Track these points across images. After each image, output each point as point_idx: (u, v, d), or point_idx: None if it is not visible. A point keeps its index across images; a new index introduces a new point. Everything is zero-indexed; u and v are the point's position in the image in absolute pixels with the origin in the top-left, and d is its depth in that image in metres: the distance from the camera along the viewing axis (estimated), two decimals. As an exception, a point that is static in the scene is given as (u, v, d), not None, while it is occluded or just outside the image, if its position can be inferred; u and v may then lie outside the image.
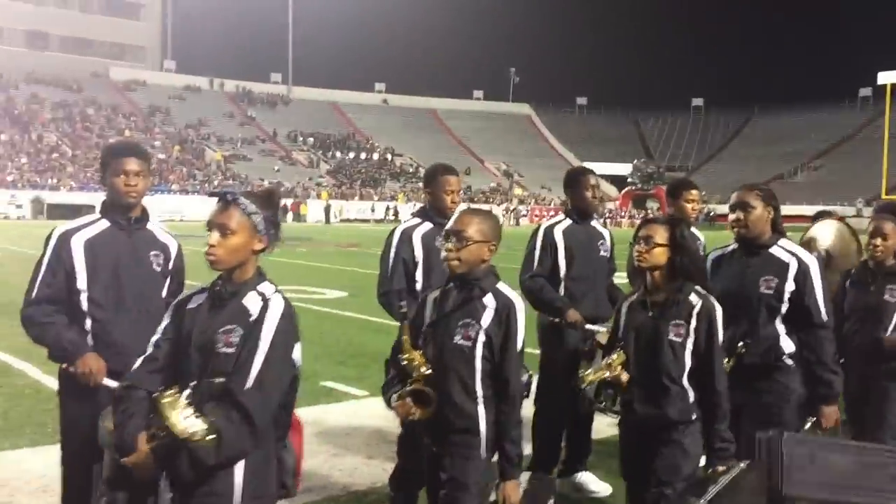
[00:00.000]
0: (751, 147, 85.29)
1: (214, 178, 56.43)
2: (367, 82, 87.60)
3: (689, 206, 4.97)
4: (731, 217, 3.69)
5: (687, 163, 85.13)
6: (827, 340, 3.65)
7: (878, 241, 4.25)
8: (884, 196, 50.49)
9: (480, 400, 2.93)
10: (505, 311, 2.94)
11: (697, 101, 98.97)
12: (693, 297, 3.22)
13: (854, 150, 75.33)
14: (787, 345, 3.65)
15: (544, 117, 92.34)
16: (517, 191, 69.22)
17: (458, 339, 2.93)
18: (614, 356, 3.29)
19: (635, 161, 73.86)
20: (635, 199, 64.82)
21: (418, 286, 4.06)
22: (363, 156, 72.17)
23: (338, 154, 71.51)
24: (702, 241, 4.94)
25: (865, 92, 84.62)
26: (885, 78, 61.82)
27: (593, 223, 4.77)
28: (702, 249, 4.78)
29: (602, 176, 76.12)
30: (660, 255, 3.22)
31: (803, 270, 3.61)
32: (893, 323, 4.27)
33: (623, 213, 59.56)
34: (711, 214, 55.12)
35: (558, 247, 4.57)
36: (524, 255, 4.70)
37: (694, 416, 3.21)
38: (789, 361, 3.65)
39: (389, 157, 72.86)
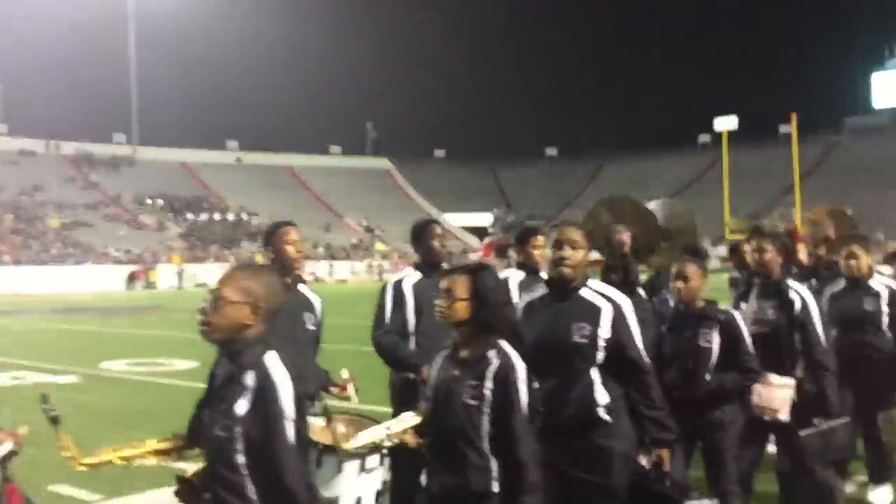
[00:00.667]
0: (604, 193, 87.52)
1: (52, 248, 52.75)
2: (218, 140, 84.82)
3: (536, 252, 5.03)
4: (555, 255, 3.50)
5: (545, 211, 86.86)
6: (653, 384, 3.53)
7: (681, 283, 4.26)
8: (728, 237, 52.57)
9: None
10: (262, 390, 2.53)
11: (552, 151, 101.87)
12: (491, 355, 2.99)
13: (699, 192, 78.96)
14: (602, 396, 3.43)
15: (404, 170, 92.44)
16: (379, 246, 68.37)
17: None
18: (402, 417, 3.17)
19: (495, 211, 74.71)
20: (498, 248, 65.18)
21: None
22: (217, 217, 69.62)
23: (189, 216, 68.57)
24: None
25: (704, 138, 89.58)
26: (721, 124, 65.41)
27: None
28: None
29: (463, 227, 77.13)
30: (462, 310, 3.01)
31: (618, 314, 3.44)
32: (710, 367, 4.23)
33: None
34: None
35: (407, 301, 4.53)
36: (375, 312, 4.64)
37: (496, 489, 2.94)
38: (606, 416, 3.41)
39: (245, 216, 70.55)
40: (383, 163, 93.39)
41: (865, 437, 5.36)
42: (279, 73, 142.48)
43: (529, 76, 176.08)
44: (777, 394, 4.42)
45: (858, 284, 5.30)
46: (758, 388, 4.41)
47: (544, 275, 5.09)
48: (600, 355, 3.42)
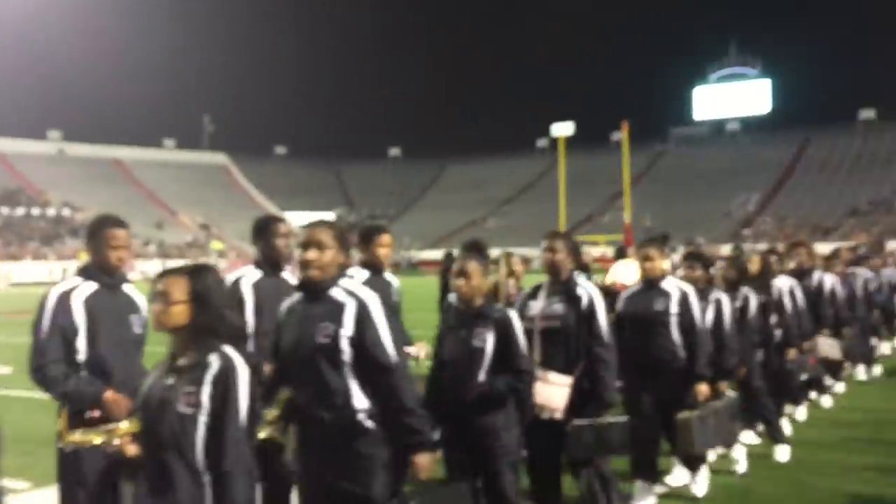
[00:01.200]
0: (447, 194, 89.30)
1: None
2: (38, 129, 79.45)
3: (381, 251, 4.96)
4: (301, 258, 3.34)
5: (388, 211, 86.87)
6: (402, 383, 3.27)
7: (461, 281, 4.14)
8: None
9: None
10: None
11: (395, 151, 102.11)
12: (212, 359, 2.77)
13: (536, 196, 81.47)
14: (361, 401, 3.25)
15: (242, 167, 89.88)
16: (215, 244, 65.98)
17: None
18: (120, 424, 2.89)
19: (337, 210, 73.88)
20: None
21: (80, 357, 3.76)
22: (36, 211, 64.96)
23: (5, 210, 63.59)
24: (395, 287, 5.04)
25: (542, 142, 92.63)
26: (558, 130, 67.55)
27: (284, 275, 4.47)
28: (395, 296, 4.99)
29: (304, 227, 75.63)
30: (179, 314, 2.80)
31: (363, 311, 3.27)
32: (484, 369, 4.05)
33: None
34: (412, 261, 56.06)
35: (246, 301, 4.26)
36: None
37: None
38: (368, 422, 3.24)
39: (68, 212, 66.14)
40: (220, 158, 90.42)
41: (667, 437, 5.49)
42: (109, 60, 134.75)
43: (374, 75, 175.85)
44: (556, 392, 4.45)
45: (652, 285, 5.38)
46: (538, 387, 4.41)
47: (389, 275, 5.03)
48: (346, 355, 3.24)
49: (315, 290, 3.36)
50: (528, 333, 4.49)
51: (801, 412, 7.79)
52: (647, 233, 48.60)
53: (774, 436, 6.62)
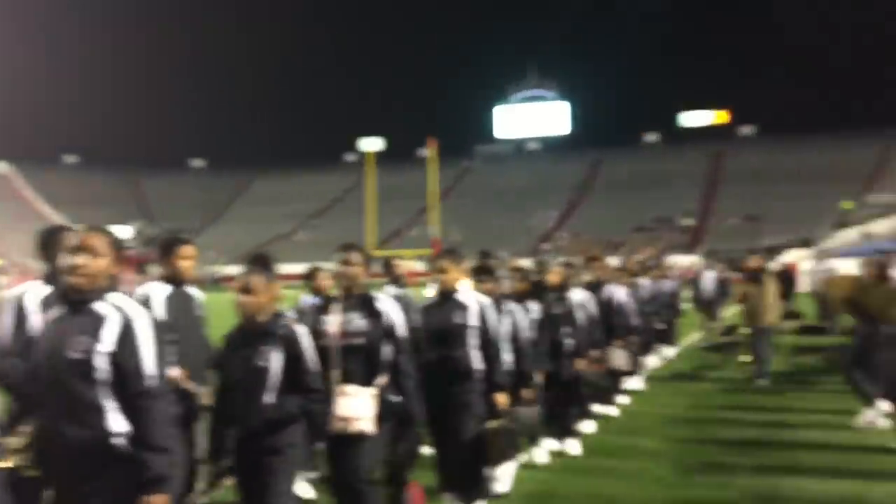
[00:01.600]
0: (253, 208, 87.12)
1: None
2: None
3: (183, 263, 4.73)
4: (68, 262, 3.06)
5: (191, 224, 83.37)
6: (155, 410, 3.01)
7: (244, 297, 3.98)
8: (374, 252, 54.47)
9: None
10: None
11: (199, 162, 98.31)
12: None
13: (345, 210, 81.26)
14: (118, 424, 2.99)
15: (26, 176, 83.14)
16: (-5, 259, 60.42)
17: None
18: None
19: (135, 224, 70.09)
20: (137, 263, 61.08)
21: None
22: None
23: None
24: (197, 300, 4.83)
25: (350, 157, 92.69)
26: (366, 145, 67.91)
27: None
28: (198, 309, 4.76)
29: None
30: None
31: (126, 327, 3.04)
32: (268, 389, 3.88)
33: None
34: (217, 276, 54.08)
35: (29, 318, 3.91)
36: None
37: None
38: (125, 448, 2.98)
39: None
40: (1, 166, 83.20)
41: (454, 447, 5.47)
42: None
43: (176, 83, 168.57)
44: (361, 403, 4.35)
45: (448, 298, 5.34)
46: (341, 402, 4.32)
47: (192, 288, 4.84)
48: (102, 373, 2.99)
49: (78, 301, 3.10)
50: (325, 350, 4.37)
51: (590, 425, 7.89)
52: (456, 247, 49.78)
53: (567, 436, 7.07)
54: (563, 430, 7.13)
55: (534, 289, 6.93)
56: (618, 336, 8.67)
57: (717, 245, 56.56)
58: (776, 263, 23.33)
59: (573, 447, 7.09)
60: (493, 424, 5.24)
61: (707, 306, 14.65)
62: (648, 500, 5.86)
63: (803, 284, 22.14)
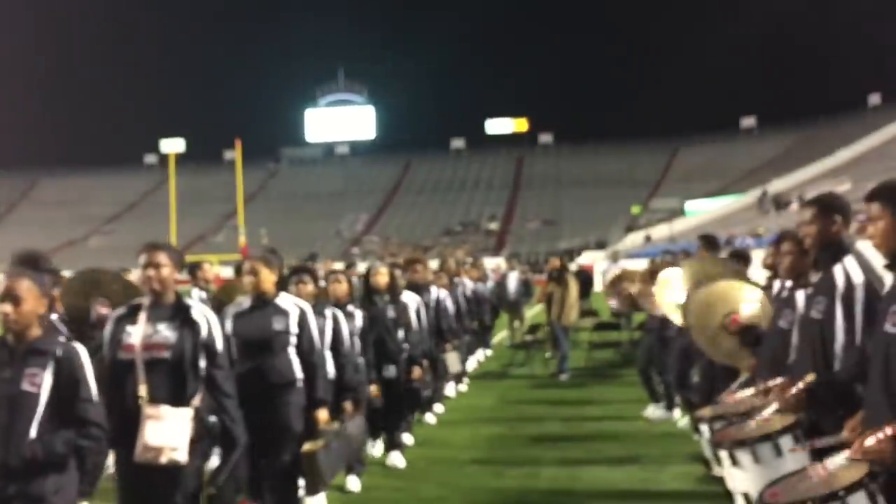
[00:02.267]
0: (39, 211, 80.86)
1: None
2: None
3: None
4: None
5: (-33, 229, 76.16)
6: None
7: (8, 307, 3.26)
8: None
9: None
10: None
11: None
12: None
13: (145, 214, 77.24)
14: None
15: None
16: None
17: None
18: None
19: None
20: None
21: None
22: None
23: None
24: None
25: (151, 158, 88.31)
26: (168, 146, 64.95)
27: None
28: None
29: None
30: None
31: None
32: (37, 421, 3.22)
33: None
34: None
35: None
36: None
37: None
38: None
39: None
40: None
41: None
42: None
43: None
44: (171, 430, 3.74)
45: (266, 303, 4.87)
46: (150, 427, 3.72)
47: None
48: None
49: None
50: (128, 365, 3.82)
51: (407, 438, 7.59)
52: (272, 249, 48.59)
53: (393, 449, 6.89)
54: (390, 442, 6.92)
55: (364, 292, 6.63)
56: (447, 339, 8.63)
57: (519, 248, 59.07)
58: (574, 264, 24.67)
59: (398, 460, 6.81)
60: (310, 447, 4.74)
61: (512, 306, 15.24)
62: (460, 494, 5.99)
63: (598, 284, 23.58)
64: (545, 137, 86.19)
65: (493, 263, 24.64)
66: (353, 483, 6.12)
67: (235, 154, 49.39)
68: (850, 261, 3.48)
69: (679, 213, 55.70)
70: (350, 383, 5.56)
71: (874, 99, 66.99)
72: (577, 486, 6.19)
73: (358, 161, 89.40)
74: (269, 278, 4.89)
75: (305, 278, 5.60)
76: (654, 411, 8.56)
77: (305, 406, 4.83)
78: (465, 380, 11.04)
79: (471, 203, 74.66)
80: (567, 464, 6.82)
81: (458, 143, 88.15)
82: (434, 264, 11.48)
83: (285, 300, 4.94)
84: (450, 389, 10.01)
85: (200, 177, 79.34)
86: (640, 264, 22.09)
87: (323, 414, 4.87)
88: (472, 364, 12.70)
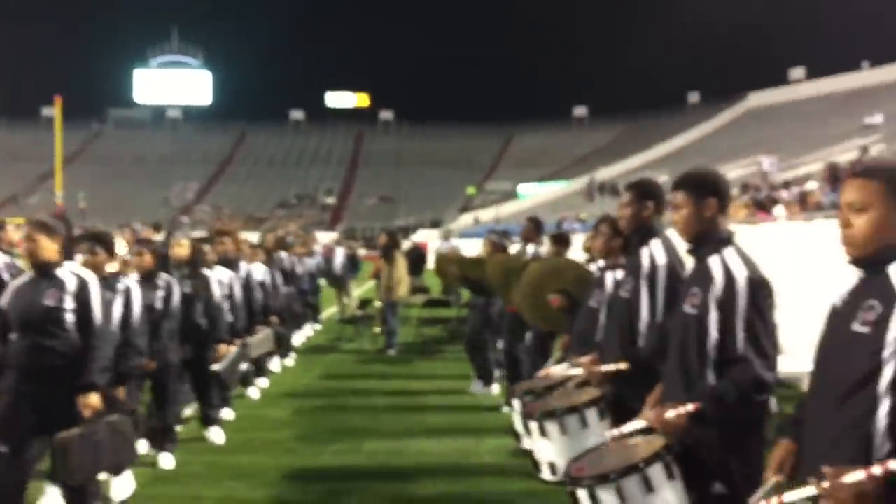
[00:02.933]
0: None
1: None
2: None
3: None
4: None
5: None
6: None
7: None
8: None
9: None
10: None
11: None
12: None
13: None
14: None
15: None
16: None
17: None
18: None
19: None
20: None
21: None
22: None
23: None
24: None
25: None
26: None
27: None
28: None
29: None
30: None
31: None
32: None
33: None
34: None
35: None
36: None
37: None
38: None
39: None
40: None
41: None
42: None
43: None
44: None
45: (45, 274, 4.33)
46: None
47: None
48: None
49: None
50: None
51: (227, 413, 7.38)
52: (82, 216, 45.79)
53: (210, 422, 6.70)
54: (206, 418, 6.66)
55: (159, 265, 6.01)
56: (261, 316, 8.44)
57: (356, 223, 58.91)
58: (408, 242, 24.87)
59: (216, 436, 6.56)
60: (64, 436, 4.09)
61: (338, 281, 15.16)
62: (278, 468, 5.89)
63: (432, 262, 23.93)
64: (386, 114, 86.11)
65: (327, 238, 24.40)
66: (166, 460, 5.91)
67: (54, 111, 46.01)
68: (656, 244, 3.67)
69: (512, 195, 57.36)
70: (129, 365, 5.06)
71: (693, 97, 71.51)
72: (398, 458, 6.24)
73: (191, 127, 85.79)
74: (48, 247, 4.34)
75: (97, 248, 5.11)
76: (476, 386, 8.77)
77: (75, 389, 4.24)
78: (292, 354, 10.89)
79: (307, 176, 73.55)
80: (389, 436, 6.86)
81: (296, 114, 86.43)
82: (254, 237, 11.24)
83: (66, 271, 4.39)
84: (275, 364, 9.85)
85: (16, 133, 73.63)
86: (471, 244, 22.60)
87: (92, 399, 4.22)
88: (300, 339, 12.54)
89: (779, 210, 14.13)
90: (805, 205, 13.41)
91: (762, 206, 15.26)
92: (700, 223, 3.02)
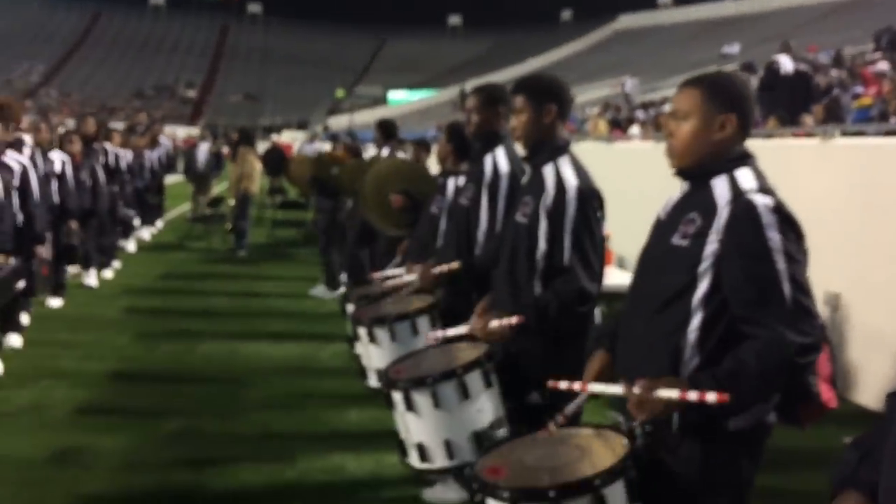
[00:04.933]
0: None
1: None
2: None
3: None
4: None
5: None
6: None
7: None
8: None
9: None
10: None
11: None
12: None
13: None
14: None
15: None
16: None
17: None
18: None
19: None
20: None
21: None
22: None
23: None
24: None
25: None
26: None
27: None
28: None
29: None
30: None
31: None
32: None
33: None
34: None
35: None
36: None
37: None
38: None
39: None
40: None
41: None
42: None
43: None
44: None
45: None
46: None
47: None
48: None
49: None
50: None
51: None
52: None
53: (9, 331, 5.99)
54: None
55: None
56: (71, 214, 7.27)
57: (217, 120, 56.55)
58: (267, 142, 24.03)
59: (14, 341, 5.96)
60: None
61: (199, 178, 14.45)
62: (103, 372, 5.58)
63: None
64: (254, 7, 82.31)
65: (185, 133, 23.24)
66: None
67: None
68: (500, 151, 3.53)
69: (382, 101, 56.54)
70: None
71: (566, 14, 72.00)
72: (233, 362, 6.03)
73: (36, 4, 79.00)
74: None
75: None
76: (318, 290, 8.61)
77: None
78: (115, 263, 9.47)
79: (167, 67, 69.65)
80: (226, 339, 6.63)
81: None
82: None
83: None
84: (91, 278, 8.60)
85: None
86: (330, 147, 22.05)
87: None
88: (145, 235, 11.92)
89: (634, 130, 14.45)
90: (659, 126, 13.72)
91: (620, 126, 15.57)
92: (539, 130, 2.89)
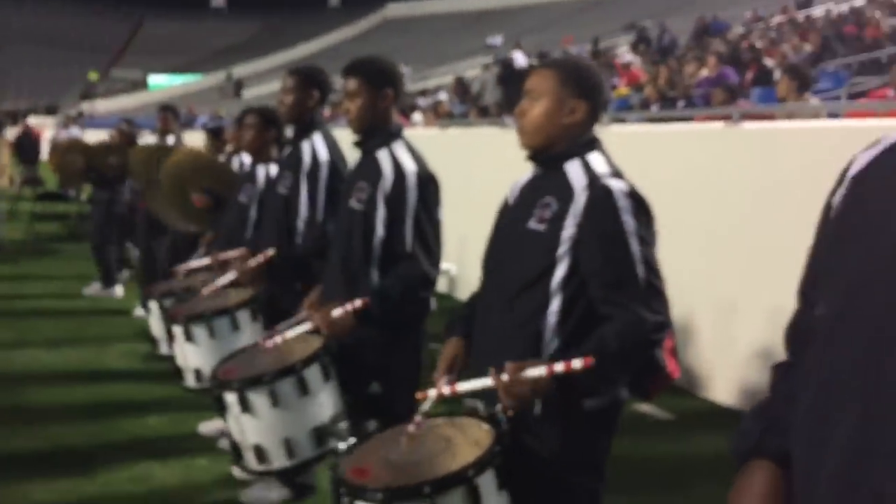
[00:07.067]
0: None
1: None
2: None
3: None
4: None
5: None
6: None
7: None
8: None
9: None
10: None
11: None
12: None
13: None
14: None
15: None
16: None
17: None
18: None
19: None
20: None
21: None
22: None
23: None
24: None
25: None
26: None
27: None
28: None
29: None
30: None
31: None
32: None
33: None
34: None
35: None
36: None
37: None
38: None
39: None
40: None
41: None
42: None
43: None
44: None
45: None
46: None
47: None
48: None
49: None
50: None
51: None
52: None
53: None
54: None
55: None
56: None
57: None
58: (17, 128, 21.83)
59: None
60: None
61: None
62: None
63: (46, 152, 21.36)
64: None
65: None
66: None
67: None
68: (317, 137, 3.42)
69: (142, 85, 53.40)
70: None
71: (334, 1, 71.69)
72: (6, 371, 5.44)
73: None
74: None
75: None
76: (92, 288, 7.99)
77: None
78: None
79: None
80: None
81: None
82: None
83: None
84: None
85: None
86: (97, 135, 20.55)
87: None
88: None
89: (417, 117, 14.69)
90: (437, 114, 14.03)
91: (403, 113, 15.78)
92: (374, 115, 2.82)
